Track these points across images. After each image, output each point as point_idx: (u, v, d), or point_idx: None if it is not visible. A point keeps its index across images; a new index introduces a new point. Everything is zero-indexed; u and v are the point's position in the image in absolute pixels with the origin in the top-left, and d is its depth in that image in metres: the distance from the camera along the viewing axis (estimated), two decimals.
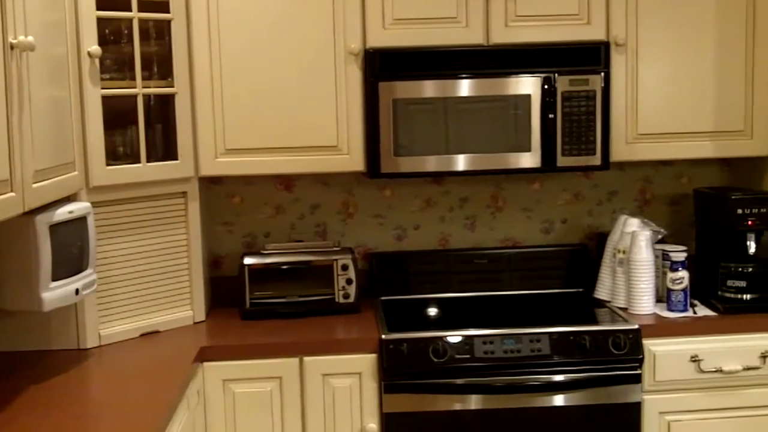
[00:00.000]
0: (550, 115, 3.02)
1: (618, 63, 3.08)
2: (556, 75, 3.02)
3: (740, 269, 3.01)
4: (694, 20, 3.09)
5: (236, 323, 3.06)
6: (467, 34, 3.03)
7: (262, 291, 3.10)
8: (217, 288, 3.33)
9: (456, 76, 3.01)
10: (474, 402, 2.81)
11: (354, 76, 3.03)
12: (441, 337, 2.82)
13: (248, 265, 3.10)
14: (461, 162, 3.03)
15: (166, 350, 2.80)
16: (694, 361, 2.89)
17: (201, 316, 3.09)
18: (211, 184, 3.37)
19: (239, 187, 3.40)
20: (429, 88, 3.00)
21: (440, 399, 2.81)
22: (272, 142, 3.03)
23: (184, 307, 3.06)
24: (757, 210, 3.00)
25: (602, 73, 3.04)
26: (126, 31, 2.87)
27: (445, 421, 2.82)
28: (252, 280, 3.09)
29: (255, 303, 3.09)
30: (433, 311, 3.24)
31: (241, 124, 3.02)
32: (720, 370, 2.89)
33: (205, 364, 2.78)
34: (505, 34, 3.04)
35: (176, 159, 2.98)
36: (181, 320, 3.04)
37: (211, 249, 3.37)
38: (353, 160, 3.07)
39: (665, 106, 3.12)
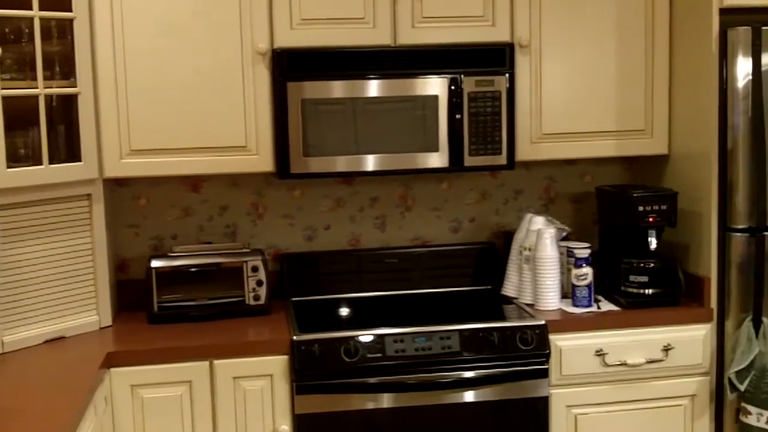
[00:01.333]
0: (457, 116, 3.06)
1: (522, 64, 3.14)
2: (463, 76, 3.06)
3: (642, 265, 3.09)
4: (595, 22, 3.17)
5: (144, 327, 3.01)
6: (375, 35, 3.05)
7: (171, 294, 3.05)
8: (124, 292, 3.27)
9: (364, 77, 3.02)
10: (386, 400, 2.83)
11: (262, 76, 3.01)
12: (352, 337, 2.83)
13: (155, 268, 3.05)
14: (371, 162, 3.05)
15: (71, 356, 2.73)
16: (599, 355, 2.97)
17: (107, 321, 3.03)
18: (116, 186, 3.31)
19: (145, 189, 3.34)
20: (338, 89, 3.01)
21: (353, 398, 2.82)
22: (179, 143, 2.99)
23: (90, 312, 2.99)
24: (657, 207, 3.09)
25: (507, 74, 3.09)
26: (27, 30, 2.79)
27: (358, 420, 2.83)
28: (160, 283, 3.04)
29: (163, 306, 3.05)
30: (344, 311, 3.24)
31: (146, 125, 2.97)
32: (624, 364, 2.98)
33: (113, 369, 2.73)
34: (412, 35, 3.07)
35: (80, 160, 2.91)
36: (87, 325, 2.97)
37: (117, 252, 3.31)
38: (262, 160, 3.05)
39: (568, 107, 3.19)
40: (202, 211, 3.39)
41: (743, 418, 2.93)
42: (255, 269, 3.10)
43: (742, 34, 2.89)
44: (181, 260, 3.09)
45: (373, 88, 3.03)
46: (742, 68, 2.90)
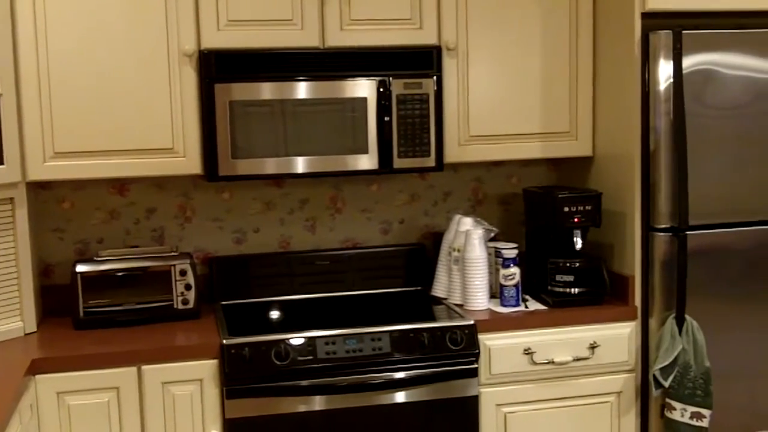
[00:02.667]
0: (386, 118, 3.08)
1: (449, 67, 3.17)
2: (391, 78, 3.07)
3: (568, 264, 3.15)
4: (521, 26, 3.21)
5: (70, 333, 2.95)
6: (303, 37, 3.04)
7: (97, 299, 3.00)
8: (48, 297, 3.20)
9: (293, 79, 3.01)
10: (318, 403, 2.82)
11: (189, 78, 2.98)
12: (283, 340, 2.81)
13: (81, 273, 3.00)
14: (300, 164, 3.04)
15: None
16: (527, 353, 3.01)
17: (32, 327, 2.96)
18: (39, 190, 3.24)
19: (70, 192, 3.28)
20: (266, 91, 3.00)
21: (284, 402, 2.80)
22: (104, 145, 2.95)
23: (14, 318, 2.92)
24: (582, 207, 3.15)
25: (435, 77, 3.12)
26: None
27: (289, 423, 2.81)
28: (85, 288, 2.99)
29: (89, 312, 2.99)
30: (274, 314, 3.22)
31: (70, 127, 2.92)
32: (552, 362, 3.02)
33: (38, 376, 2.67)
34: (340, 38, 3.07)
35: (2, 164, 2.84)
36: (11, 332, 2.90)
37: (41, 257, 3.24)
38: (190, 162, 3.02)
39: (495, 109, 3.23)
40: (129, 215, 3.34)
41: (668, 414, 3.00)
42: (183, 273, 3.06)
43: (663, 37, 2.96)
44: (108, 264, 3.04)
45: (302, 90, 3.02)
46: (664, 71, 2.97)
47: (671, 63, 2.95)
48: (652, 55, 2.98)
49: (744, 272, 3.08)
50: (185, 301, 3.06)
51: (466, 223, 3.21)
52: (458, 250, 3.17)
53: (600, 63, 3.25)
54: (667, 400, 3.00)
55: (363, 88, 3.06)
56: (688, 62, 2.96)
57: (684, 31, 2.94)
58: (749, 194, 3.07)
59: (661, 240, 3.04)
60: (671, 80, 2.96)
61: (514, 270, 3.12)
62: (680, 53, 2.94)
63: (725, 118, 3.03)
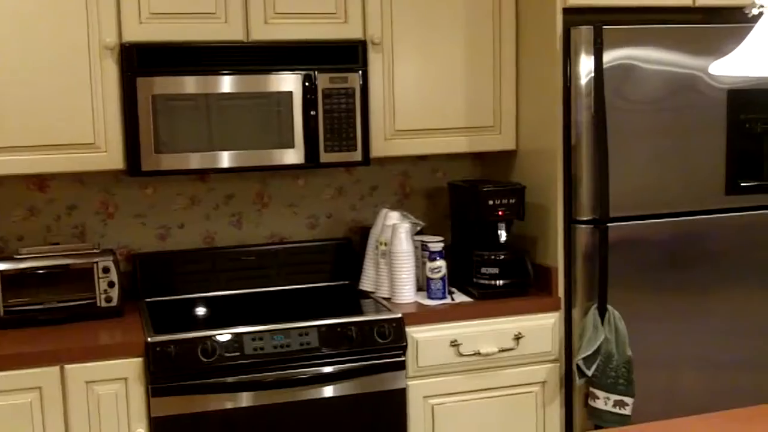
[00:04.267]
0: (312, 112, 3.07)
1: (375, 61, 3.17)
2: (317, 72, 3.06)
3: (493, 257, 3.18)
4: (445, 20, 3.23)
5: None
6: (226, 30, 3.01)
7: (17, 298, 2.92)
8: None
9: (217, 73, 2.98)
10: (245, 399, 2.81)
11: (110, 72, 2.93)
12: (209, 337, 2.79)
13: (0, 272, 2.92)
14: (225, 159, 3.01)
15: None
16: (454, 345, 3.04)
17: None
18: None
19: None
20: (190, 84, 2.96)
21: (211, 399, 2.78)
22: (23, 140, 2.87)
23: None
24: (506, 201, 3.19)
25: (360, 71, 3.12)
26: None
27: (217, 420, 2.79)
28: (5, 286, 2.91)
29: (9, 311, 2.92)
30: (200, 311, 3.19)
31: None
32: (478, 353, 3.06)
33: None
34: (264, 31, 3.05)
35: None
36: None
37: None
38: (111, 157, 2.96)
39: (420, 103, 3.25)
40: (49, 211, 3.26)
41: (591, 403, 3.07)
42: (106, 270, 3.01)
43: (584, 33, 3.01)
44: (28, 262, 2.97)
45: (227, 84, 2.99)
46: (585, 66, 3.02)
47: (592, 58, 3.00)
48: (573, 50, 3.04)
49: (663, 263, 3.16)
50: (108, 299, 3.01)
51: (393, 217, 3.22)
52: (385, 244, 3.18)
53: (523, 58, 3.30)
54: (591, 389, 3.06)
55: (288, 82, 3.04)
56: (609, 57, 3.02)
57: (604, 27, 3.00)
58: (668, 186, 3.15)
59: (583, 232, 3.10)
60: (592, 75, 3.01)
61: (441, 263, 3.14)
62: (601, 48, 3.00)
63: (645, 112, 3.10)
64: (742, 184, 3.22)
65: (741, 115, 3.18)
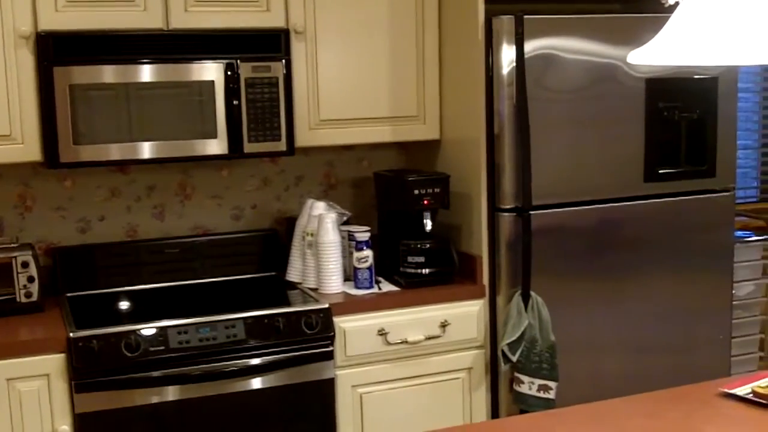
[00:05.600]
0: (235, 102, 3.03)
1: (298, 50, 3.15)
2: (239, 61, 3.03)
3: (419, 246, 3.20)
4: (368, 9, 3.23)
5: None
6: (146, 18, 2.95)
7: None
8: None
9: (136, 62, 2.92)
10: (171, 393, 2.77)
11: (26, 61, 2.85)
12: (133, 331, 2.75)
13: None
14: (146, 149, 2.96)
15: None
16: (381, 334, 3.05)
17: None
18: None
19: None
20: (108, 74, 2.90)
21: (136, 394, 2.74)
22: None
23: None
24: (431, 190, 3.20)
25: (283, 60, 3.09)
26: None
27: (143, 415, 2.75)
28: None
29: None
30: (124, 305, 3.14)
31: None
32: (405, 341, 3.07)
33: None
34: (185, 20, 3.00)
35: None
36: None
37: None
38: (28, 149, 2.88)
39: (345, 93, 3.24)
40: None
41: (516, 387, 3.11)
42: (25, 265, 2.93)
43: (505, 22, 3.04)
44: None
45: (146, 73, 2.94)
46: (507, 56, 3.05)
47: (513, 48, 3.04)
48: (495, 39, 3.06)
49: (585, 249, 3.22)
50: (28, 294, 2.94)
51: (319, 207, 3.21)
52: (311, 235, 3.17)
53: (446, 48, 3.31)
54: (516, 374, 3.10)
55: (210, 71, 3.00)
56: (530, 47, 3.05)
57: (525, 16, 3.03)
58: (589, 174, 3.21)
59: (506, 220, 3.13)
60: (514, 64, 3.04)
61: (367, 253, 3.15)
62: (522, 38, 3.03)
63: (566, 101, 3.14)
64: (660, 172, 3.30)
65: (659, 103, 3.25)
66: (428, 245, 3.20)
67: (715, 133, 3.37)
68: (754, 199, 4.57)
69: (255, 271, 3.43)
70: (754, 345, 3.87)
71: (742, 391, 2.12)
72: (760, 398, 2.07)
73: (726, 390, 2.14)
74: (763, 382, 2.13)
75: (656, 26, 1.41)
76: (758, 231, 3.94)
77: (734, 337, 3.61)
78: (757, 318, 3.89)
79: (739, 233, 3.77)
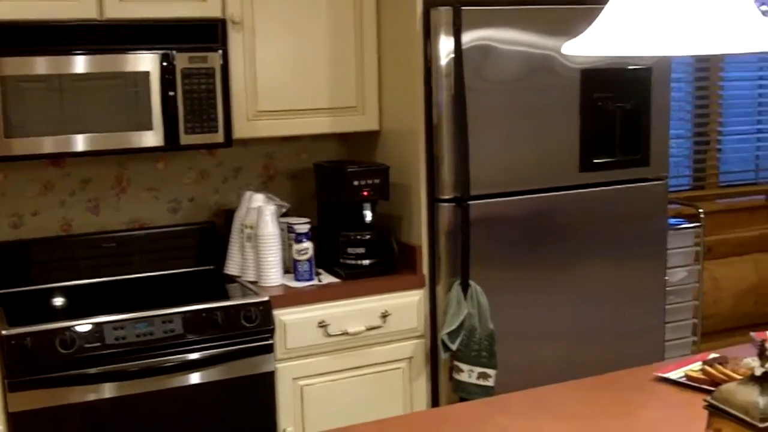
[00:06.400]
0: (171, 93, 2.99)
1: (235, 41, 3.12)
2: (175, 52, 2.99)
3: (359, 237, 3.20)
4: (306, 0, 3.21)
5: None
6: (79, 9, 2.89)
7: None
8: None
9: (70, 53, 2.87)
10: (108, 390, 2.73)
11: None
12: (68, 328, 2.70)
13: None
14: (81, 142, 2.91)
15: None
16: (321, 326, 3.04)
17: None
18: None
19: None
20: (41, 65, 2.83)
21: (73, 391, 2.69)
22: None
23: None
24: (371, 181, 3.20)
25: (220, 51, 3.06)
26: None
27: (80, 413, 2.71)
28: None
29: None
30: (58, 301, 3.07)
31: None
32: (346, 333, 3.07)
33: None
34: (119, 9, 2.94)
35: None
36: None
37: None
38: None
39: (283, 84, 3.22)
40: None
41: (456, 376, 3.13)
42: None
43: (443, 13, 3.05)
44: None
45: (81, 64, 2.88)
46: (445, 47, 3.06)
47: (451, 39, 3.05)
48: (433, 30, 3.07)
49: (523, 238, 3.26)
50: None
51: (258, 199, 3.19)
52: (250, 227, 3.15)
53: (385, 39, 3.31)
54: (455, 362, 3.13)
55: (145, 62, 2.96)
56: (468, 38, 3.07)
57: (463, 8, 3.04)
58: (526, 164, 3.24)
59: (445, 210, 3.15)
60: (452, 55, 3.06)
61: (307, 245, 3.14)
62: (460, 29, 3.04)
63: (503, 92, 3.17)
64: (595, 161, 3.35)
65: (594, 94, 3.30)
66: (368, 236, 3.21)
67: (649, 123, 3.43)
68: (687, 187, 4.66)
69: (193, 264, 3.40)
70: (687, 330, 3.95)
71: (676, 375, 2.16)
72: (693, 382, 2.11)
73: (660, 374, 2.18)
74: (696, 366, 2.17)
75: (591, 17, 1.43)
76: (690, 218, 4.02)
77: (668, 323, 3.68)
78: (689, 303, 3.97)
79: (672, 221, 3.84)
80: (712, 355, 2.20)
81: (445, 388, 3.21)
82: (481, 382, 3.10)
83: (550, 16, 3.20)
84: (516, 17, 3.15)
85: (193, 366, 2.83)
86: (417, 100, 3.12)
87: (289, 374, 3.01)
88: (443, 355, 3.12)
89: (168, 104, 2.99)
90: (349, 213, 3.26)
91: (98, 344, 2.71)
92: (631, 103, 3.37)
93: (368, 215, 3.25)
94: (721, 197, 4.70)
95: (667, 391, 2.11)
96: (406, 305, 3.17)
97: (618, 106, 3.35)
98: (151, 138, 2.99)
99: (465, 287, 3.12)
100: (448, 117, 3.09)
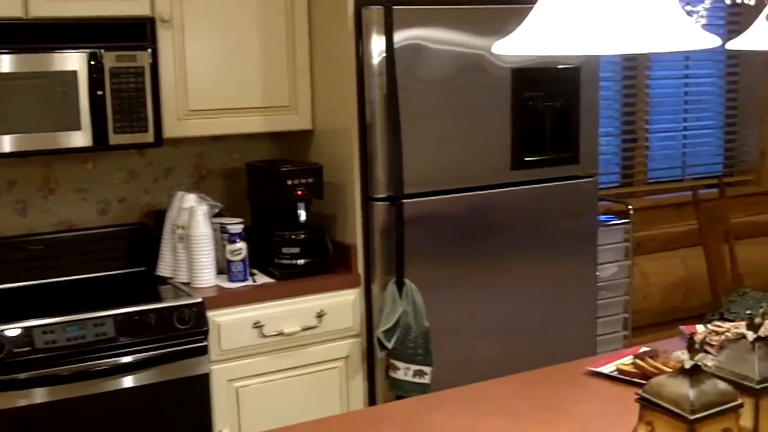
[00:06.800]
0: (99, 92, 2.94)
1: (165, 39, 3.08)
2: (103, 51, 2.94)
3: (293, 237, 3.19)
4: None
5: None
6: (3, 7, 2.83)
7: None
8: None
9: None
10: (39, 395, 2.68)
11: None
12: None
13: None
14: (6, 143, 2.84)
15: None
16: (256, 327, 3.03)
17: None
18: None
19: None
20: None
21: (2, 397, 2.62)
22: None
23: None
24: (305, 180, 3.19)
25: (149, 50, 3.02)
26: None
27: (9, 419, 2.64)
28: None
29: None
30: None
31: None
32: (281, 333, 3.06)
33: None
34: (45, 7, 2.88)
35: None
36: None
37: None
38: None
39: (215, 83, 3.19)
40: None
41: (392, 374, 3.14)
42: None
43: (375, 12, 3.05)
44: None
45: (5, 63, 2.81)
46: (376, 46, 3.07)
47: (383, 38, 3.05)
48: (365, 29, 3.07)
49: (456, 236, 3.28)
50: None
51: (190, 199, 3.15)
52: (182, 228, 3.11)
53: (317, 37, 3.30)
54: (391, 360, 3.14)
55: (72, 61, 2.90)
56: (400, 37, 3.08)
57: (394, 7, 3.05)
58: (458, 163, 3.26)
59: (379, 209, 3.16)
60: (384, 55, 3.06)
61: (241, 245, 3.11)
62: (391, 28, 3.05)
63: (435, 91, 3.19)
64: (526, 159, 3.39)
65: (524, 93, 3.34)
66: (303, 236, 3.19)
67: (578, 122, 3.48)
68: (616, 184, 4.74)
69: (124, 266, 3.34)
70: (619, 324, 4.02)
71: (608, 369, 2.20)
72: (624, 375, 2.15)
73: (592, 368, 2.22)
74: (627, 360, 2.22)
75: (521, 17, 1.44)
76: (620, 215, 4.09)
77: (599, 318, 3.75)
78: (620, 298, 4.04)
79: (602, 217, 3.91)
80: (643, 349, 2.24)
81: (381, 387, 3.22)
82: (417, 379, 3.12)
83: (481, 15, 3.23)
84: (447, 16, 3.17)
85: (127, 369, 2.79)
86: (350, 99, 3.12)
87: (224, 376, 2.99)
88: (379, 354, 3.13)
89: (96, 104, 2.94)
90: (283, 212, 3.25)
91: (28, 348, 2.66)
92: (560, 102, 3.42)
93: (302, 215, 3.24)
94: (649, 194, 4.80)
95: (600, 385, 2.15)
96: (342, 304, 3.17)
97: (548, 104, 3.39)
98: (80, 138, 2.94)
99: (400, 285, 3.13)
100: (381, 116, 3.10)
